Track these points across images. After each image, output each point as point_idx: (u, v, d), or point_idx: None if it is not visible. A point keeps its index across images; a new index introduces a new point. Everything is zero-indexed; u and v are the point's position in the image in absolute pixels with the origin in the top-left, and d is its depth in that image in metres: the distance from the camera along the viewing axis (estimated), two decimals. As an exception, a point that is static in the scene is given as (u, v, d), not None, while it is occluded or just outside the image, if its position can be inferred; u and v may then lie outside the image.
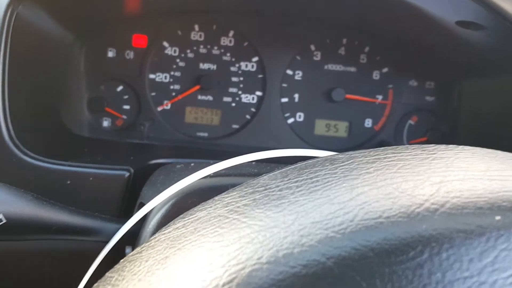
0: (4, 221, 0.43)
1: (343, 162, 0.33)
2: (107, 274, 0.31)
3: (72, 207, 0.50)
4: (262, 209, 0.29)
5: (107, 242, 0.49)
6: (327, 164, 0.33)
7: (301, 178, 0.32)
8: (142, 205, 0.58)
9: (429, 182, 0.28)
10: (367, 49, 0.96)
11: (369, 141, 0.97)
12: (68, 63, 0.87)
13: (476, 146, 1.06)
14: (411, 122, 0.97)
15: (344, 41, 0.95)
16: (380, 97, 0.97)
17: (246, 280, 0.23)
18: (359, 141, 0.97)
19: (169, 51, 0.94)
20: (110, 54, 0.93)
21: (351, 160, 0.32)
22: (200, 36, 0.94)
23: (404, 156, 0.32)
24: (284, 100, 0.96)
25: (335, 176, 0.30)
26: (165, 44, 0.94)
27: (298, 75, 0.96)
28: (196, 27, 0.94)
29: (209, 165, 0.51)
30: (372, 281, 0.23)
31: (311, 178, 0.31)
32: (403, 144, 0.96)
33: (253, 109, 0.96)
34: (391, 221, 0.25)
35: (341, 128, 0.97)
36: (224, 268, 0.25)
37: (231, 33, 0.95)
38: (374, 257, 0.23)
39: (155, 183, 0.60)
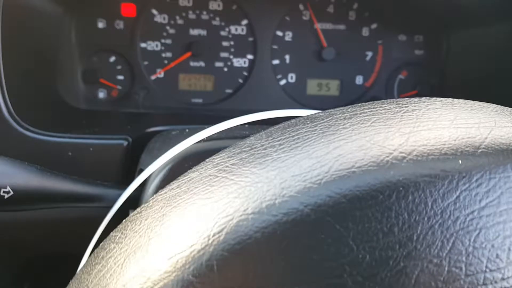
0: (12, 193, 0.46)
1: (322, 119, 0.35)
2: (112, 233, 0.34)
3: (75, 177, 0.53)
4: (248, 167, 0.31)
5: (110, 207, 0.53)
6: (308, 122, 0.35)
7: (284, 137, 0.34)
8: (141, 171, 0.61)
9: (399, 133, 0.30)
10: (355, 5, 0.96)
11: (361, 98, 0.99)
12: (59, 37, 0.88)
13: (464, 97, 1.08)
14: (401, 76, 0.98)
15: (332, -1, 0.96)
16: (370, 54, 0.98)
17: (234, 229, 0.26)
18: (351, 98, 0.99)
19: (159, 18, 0.95)
20: (100, 25, 0.94)
21: (330, 117, 0.35)
22: (188, 1, 0.94)
23: (379, 110, 0.34)
24: (276, 62, 0.97)
25: (314, 133, 0.33)
26: (154, 11, 0.94)
27: (288, 36, 0.97)
28: (184, -8, 0.94)
29: (203, 130, 0.53)
30: (345, 224, 0.26)
31: (292, 136, 0.33)
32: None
33: (245, 73, 0.98)
34: (362, 170, 0.27)
35: (332, 87, 0.99)
36: (214, 220, 0.27)
37: (219, -3, 0.95)
38: (346, 203, 0.26)
39: (153, 150, 0.63)
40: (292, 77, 0.99)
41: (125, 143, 0.71)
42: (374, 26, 0.97)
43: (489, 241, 0.26)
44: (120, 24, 0.94)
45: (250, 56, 0.97)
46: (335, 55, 0.96)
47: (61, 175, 0.51)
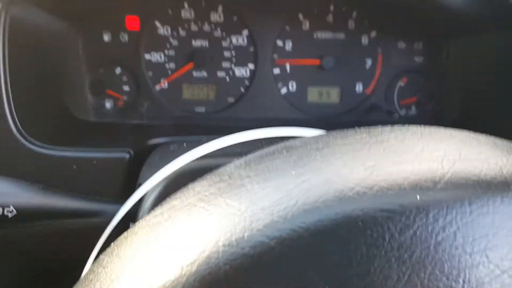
0: (15, 212, 0.49)
1: (297, 149, 0.37)
2: (100, 256, 0.37)
3: (75, 193, 0.56)
4: (224, 198, 0.33)
5: (108, 222, 0.55)
6: (284, 152, 0.37)
7: (260, 166, 0.36)
8: (141, 186, 0.63)
9: (364, 166, 0.32)
10: (354, 14, 0.97)
11: (361, 105, 1.00)
12: (66, 51, 0.91)
13: (464, 103, 1.08)
14: (401, 83, 0.99)
15: (332, 7, 0.97)
16: (369, 61, 0.99)
17: (205, 261, 0.29)
18: (351, 105, 1.00)
19: (162, 31, 0.97)
20: (106, 37, 0.97)
21: (304, 147, 0.37)
22: (190, 13, 0.97)
23: (350, 141, 0.36)
24: (276, 71, 0.99)
25: (288, 164, 0.35)
26: (157, 24, 0.97)
27: (288, 46, 0.98)
28: (185, 4, 0.96)
29: (200, 144, 0.55)
30: (307, 257, 0.28)
31: (267, 167, 0.35)
32: (394, 106, 0.99)
33: (246, 82, 1.00)
34: (326, 205, 0.29)
35: (333, 94, 1.00)
36: (189, 250, 0.30)
37: (220, 8, 0.97)
38: (309, 237, 0.28)
39: (152, 165, 0.66)
40: (292, 86, 1.00)
41: (127, 156, 0.74)
42: (373, 34, 0.98)
43: (444, 274, 0.28)
44: (125, 37, 0.97)
45: (251, 66, 0.99)
46: (334, 64, 0.97)
47: (62, 193, 0.54)
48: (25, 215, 0.50)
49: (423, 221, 0.28)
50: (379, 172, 0.31)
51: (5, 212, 0.48)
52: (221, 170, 0.39)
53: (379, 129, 0.38)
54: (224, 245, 0.29)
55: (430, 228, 0.28)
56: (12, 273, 0.70)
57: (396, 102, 0.99)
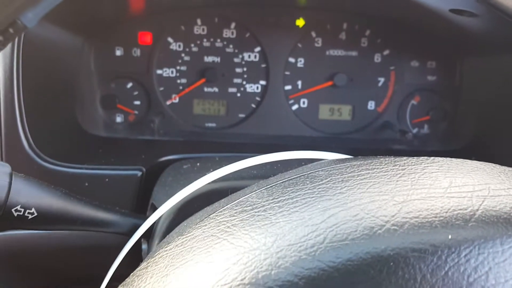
0: (36, 214, 0.49)
1: (321, 180, 0.36)
2: (119, 286, 0.36)
3: (96, 202, 0.55)
4: (247, 230, 0.33)
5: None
6: (308, 183, 0.36)
7: (284, 198, 0.35)
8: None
9: (393, 202, 0.31)
10: (367, 32, 0.97)
11: (373, 123, 0.99)
12: (79, 65, 0.91)
13: (478, 123, 1.07)
14: (413, 102, 0.99)
15: (345, 25, 0.97)
16: (382, 79, 0.98)
17: (231, 299, 0.28)
18: (363, 123, 1.00)
19: (174, 46, 0.97)
20: (118, 52, 0.97)
21: (329, 179, 0.36)
22: (203, 30, 0.97)
23: (376, 173, 0.35)
24: (288, 87, 0.99)
25: (313, 197, 0.34)
26: (170, 39, 0.97)
27: (300, 62, 0.98)
28: (199, 21, 0.96)
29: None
30: (337, 298, 0.27)
31: (292, 198, 0.35)
32: (407, 124, 0.99)
33: (258, 98, 1.00)
34: (355, 243, 0.29)
35: (344, 112, 1.00)
36: (212, 286, 0.29)
37: (232, 25, 0.97)
38: (338, 277, 0.27)
39: (165, 184, 0.65)
40: (304, 102, 1.00)
41: (139, 173, 0.74)
42: (386, 52, 0.97)
43: (477, 316, 0.27)
44: (137, 52, 0.97)
45: (262, 82, 0.99)
46: (347, 81, 0.97)
47: (82, 200, 0.54)
48: (45, 218, 0.50)
49: (455, 261, 0.28)
50: (408, 208, 0.30)
51: (26, 214, 0.48)
52: (242, 198, 0.39)
53: (404, 160, 0.38)
54: (250, 283, 0.28)
55: (462, 269, 0.28)
56: (28, 284, 0.70)
57: (408, 121, 0.99)
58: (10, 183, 0.47)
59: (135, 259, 0.58)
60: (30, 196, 0.49)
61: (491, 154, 0.86)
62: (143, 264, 0.37)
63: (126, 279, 0.37)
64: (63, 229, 0.56)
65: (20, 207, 0.48)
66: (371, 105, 0.99)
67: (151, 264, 0.36)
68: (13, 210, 0.47)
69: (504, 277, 0.28)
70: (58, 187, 0.54)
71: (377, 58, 0.98)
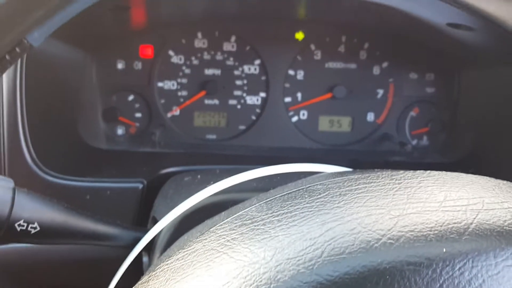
0: (38, 229, 0.49)
1: (319, 194, 0.37)
2: (121, 300, 0.37)
3: (97, 216, 0.56)
4: (247, 244, 0.33)
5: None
6: (306, 196, 0.37)
7: (282, 212, 0.36)
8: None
9: (389, 216, 0.32)
10: (366, 45, 0.98)
11: (372, 135, 1.00)
12: (81, 79, 0.93)
13: (477, 135, 1.07)
14: (412, 113, 1.00)
15: (344, 38, 0.98)
16: (381, 91, 0.99)
17: (230, 313, 0.28)
18: (363, 135, 1.01)
19: (175, 59, 0.99)
20: (120, 66, 0.98)
21: (327, 192, 0.37)
22: (204, 43, 0.98)
23: (373, 187, 0.36)
24: (288, 99, 1.00)
25: (311, 211, 0.35)
26: (171, 53, 0.98)
27: (300, 75, 0.99)
28: (199, 34, 0.98)
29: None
30: (334, 311, 0.27)
31: (290, 212, 0.35)
32: (406, 136, 1.00)
33: (258, 110, 1.01)
34: (352, 256, 0.29)
35: (344, 123, 1.01)
36: (213, 301, 0.30)
37: (233, 38, 0.98)
38: (336, 291, 0.28)
39: (166, 197, 0.66)
40: (304, 114, 1.01)
41: (140, 186, 0.74)
42: (385, 64, 0.98)
43: (471, 329, 0.28)
44: (138, 65, 0.98)
45: (262, 94, 1.00)
46: (346, 93, 0.98)
47: (84, 214, 0.54)
48: (47, 232, 0.50)
49: (450, 274, 0.28)
50: (404, 222, 0.31)
51: (29, 228, 0.48)
52: (242, 212, 0.39)
53: (400, 174, 0.38)
54: (249, 296, 0.29)
55: (456, 282, 0.28)
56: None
57: (407, 132, 1.00)
58: (13, 198, 0.48)
59: (136, 272, 0.58)
60: (33, 210, 0.50)
61: (490, 165, 0.87)
62: (144, 278, 0.38)
63: (127, 292, 0.37)
64: (65, 243, 0.56)
65: (23, 222, 0.48)
66: (370, 116, 1.00)
67: (152, 278, 0.36)
68: (16, 224, 0.48)
69: (498, 289, 0.29)
70: (60, 201, 0.54)
71: (376, 70, 0.99)
